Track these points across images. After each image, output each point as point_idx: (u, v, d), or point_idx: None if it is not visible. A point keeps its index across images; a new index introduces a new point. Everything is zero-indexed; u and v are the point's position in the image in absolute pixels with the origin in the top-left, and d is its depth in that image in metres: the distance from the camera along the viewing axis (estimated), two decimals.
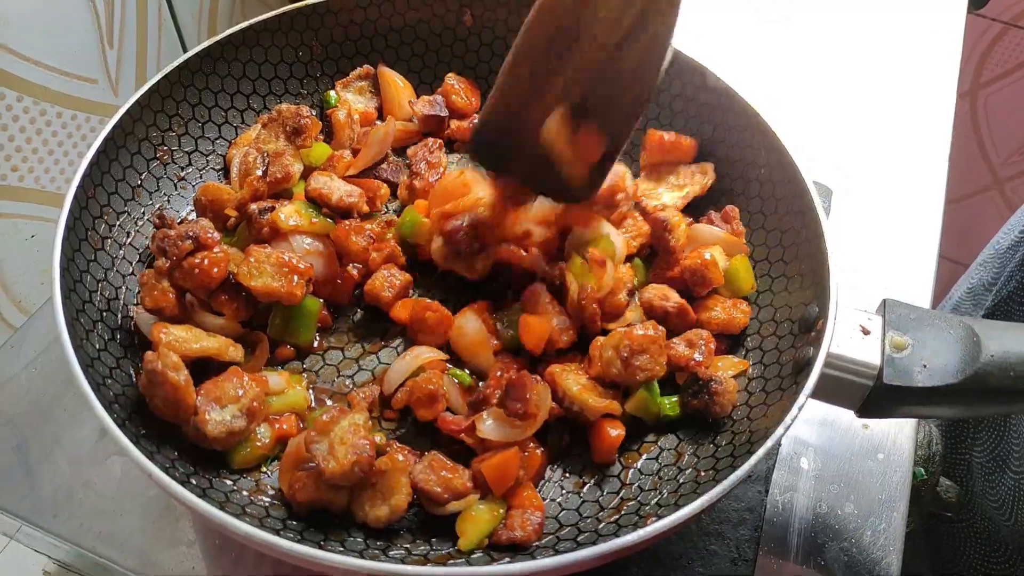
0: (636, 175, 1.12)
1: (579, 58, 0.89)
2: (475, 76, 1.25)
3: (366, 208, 1.05)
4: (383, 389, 0.95)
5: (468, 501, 0.85)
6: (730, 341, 1.01)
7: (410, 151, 1.16)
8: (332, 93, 1.21)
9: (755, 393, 0.94)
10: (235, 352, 0.93)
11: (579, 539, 0.85)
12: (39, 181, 1.61)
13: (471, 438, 0.88)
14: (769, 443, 0.80)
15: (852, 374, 0.87)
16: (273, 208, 0.99)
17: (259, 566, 0.93)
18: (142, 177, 1.04)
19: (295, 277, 0.94)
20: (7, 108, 1.49)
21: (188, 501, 0.73)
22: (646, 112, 0.92)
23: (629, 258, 1.05)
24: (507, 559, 0.82)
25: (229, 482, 0.86)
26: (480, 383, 0.94)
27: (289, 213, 0.99)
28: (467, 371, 0.96)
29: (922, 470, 1.26)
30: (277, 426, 0.89)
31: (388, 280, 1.00)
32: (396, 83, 1.22)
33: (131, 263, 1.00)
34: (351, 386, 0.97)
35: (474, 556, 0.83)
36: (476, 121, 0.99)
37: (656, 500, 0.88)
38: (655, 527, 0.74)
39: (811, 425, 1.09)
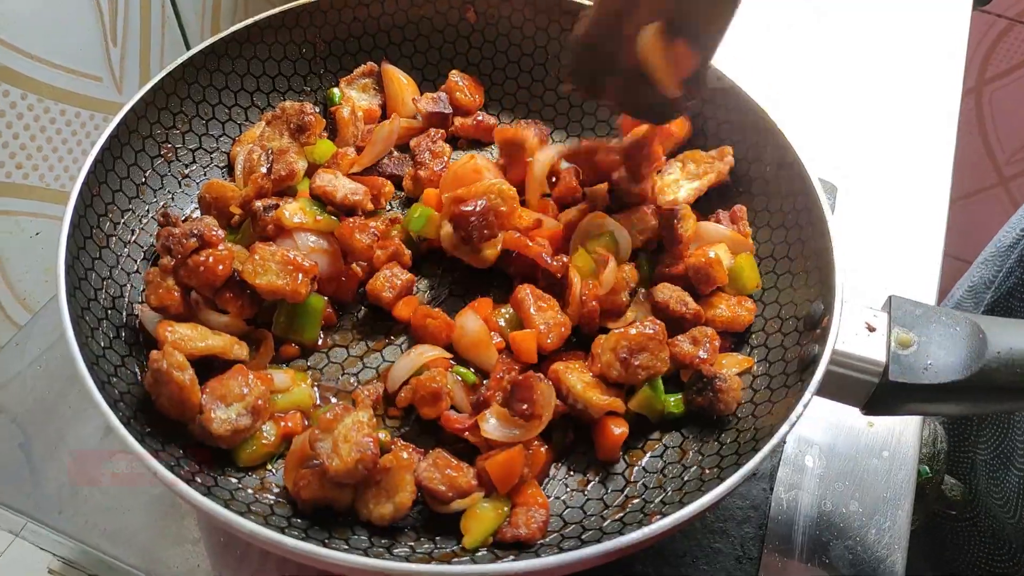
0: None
1: None
2: (479, 73, 1.25)
3: (370, 206, 1.05)
4: (387, 387, 0.94)
5: (472, 499, 0.85)
6: (735, 338, 1.01)
7: (412, 143, 1.17)
8: (336, 90, 1.21)
9: (760, 391, 0.94)
10: (240, 350, 0.93)
11: (584, 537, 0.85)
12: (43, 179, 1.61)
13: (475, 436, 0.88)
14: (774, 441, 0.80)
15: (857, 371, 0.86)
16: (277, 206, 0.99)
17: (264, 564, 0.93)
18: (146, 175, 1.04)
19: (300, 275, 0.94)
20: (11, 105, 1.49)
21: (193, 499, 0.73)
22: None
23: (635, 255, 1.05)
24: (512, 557, 0.82)
25: (234, 480, 0.86)
26: (484, 381, 0.94)
27: (293, 211, 0.99)
28: (471, 369, 0.95)
29: (927, 468, 1.26)
30: (282, 424, 0.89)
31: (389, 280, 1.00)
32: (400, 80, 1.22)
33: (136, 261, 1.00)
34: (355, 384, 0.97)
35: (478, 554, 0.83)
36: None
37: (660, 498, 0.88)
38: (659, 525, 0.74)
39: (816, 423, 1.09)
